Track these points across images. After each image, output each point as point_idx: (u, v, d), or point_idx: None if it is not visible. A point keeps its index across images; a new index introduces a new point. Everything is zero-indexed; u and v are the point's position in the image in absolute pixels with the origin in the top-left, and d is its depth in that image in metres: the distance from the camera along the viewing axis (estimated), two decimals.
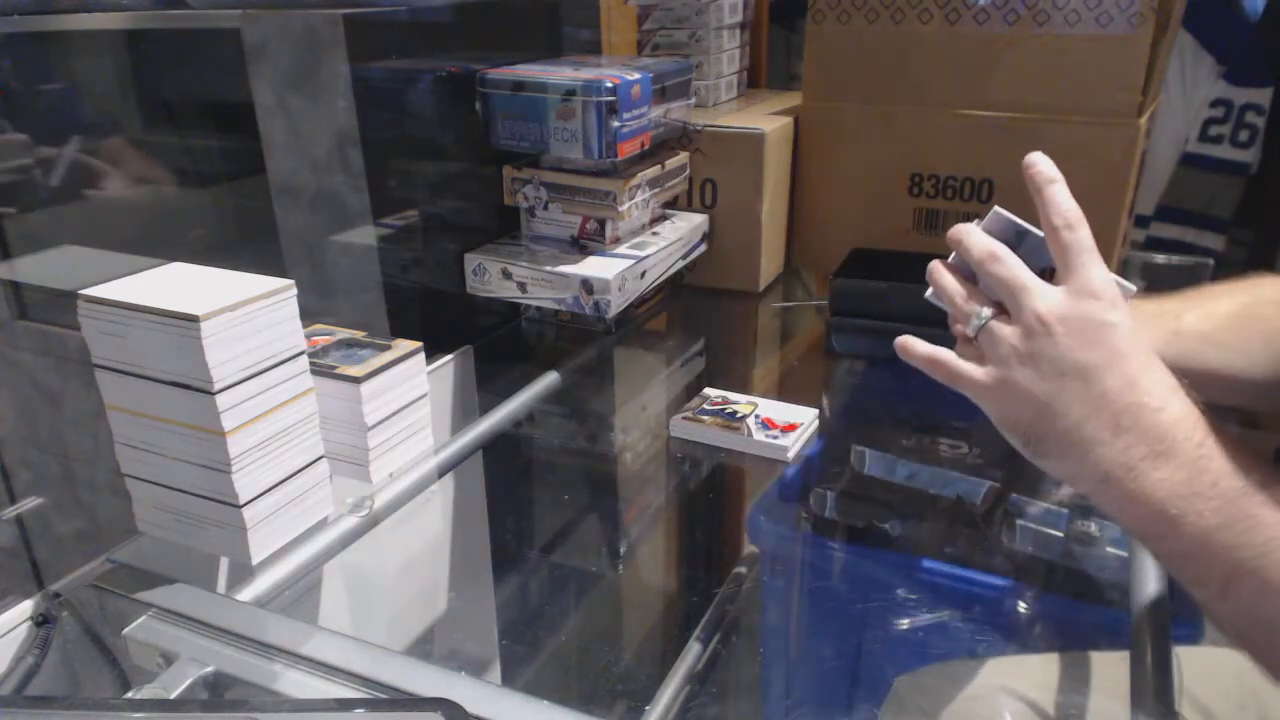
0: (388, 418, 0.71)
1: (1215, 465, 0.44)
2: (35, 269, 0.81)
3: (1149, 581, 0.61)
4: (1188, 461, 0.44)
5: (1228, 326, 0.60)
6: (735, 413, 0.89)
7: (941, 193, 1.11)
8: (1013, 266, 0.50)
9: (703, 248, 1.16)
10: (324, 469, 0.65)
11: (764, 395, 0.93)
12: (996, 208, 0.56)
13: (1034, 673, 0.64)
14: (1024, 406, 0.48)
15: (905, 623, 0.76)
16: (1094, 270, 0.48)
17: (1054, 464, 0.48)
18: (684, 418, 0.89)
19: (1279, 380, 0.58)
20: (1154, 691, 0.52)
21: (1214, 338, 0.60)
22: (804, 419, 0.88)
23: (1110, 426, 0.45)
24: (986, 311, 0.50)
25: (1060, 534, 0.75)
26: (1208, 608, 0.45)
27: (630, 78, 0.95)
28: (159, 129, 0.91)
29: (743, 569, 0.83)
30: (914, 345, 0.54)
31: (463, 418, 0.95)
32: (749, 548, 0.84)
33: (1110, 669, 0.63)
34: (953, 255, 0.55)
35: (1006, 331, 0.49)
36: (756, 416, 0.88)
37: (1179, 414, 0.45)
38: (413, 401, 0.74)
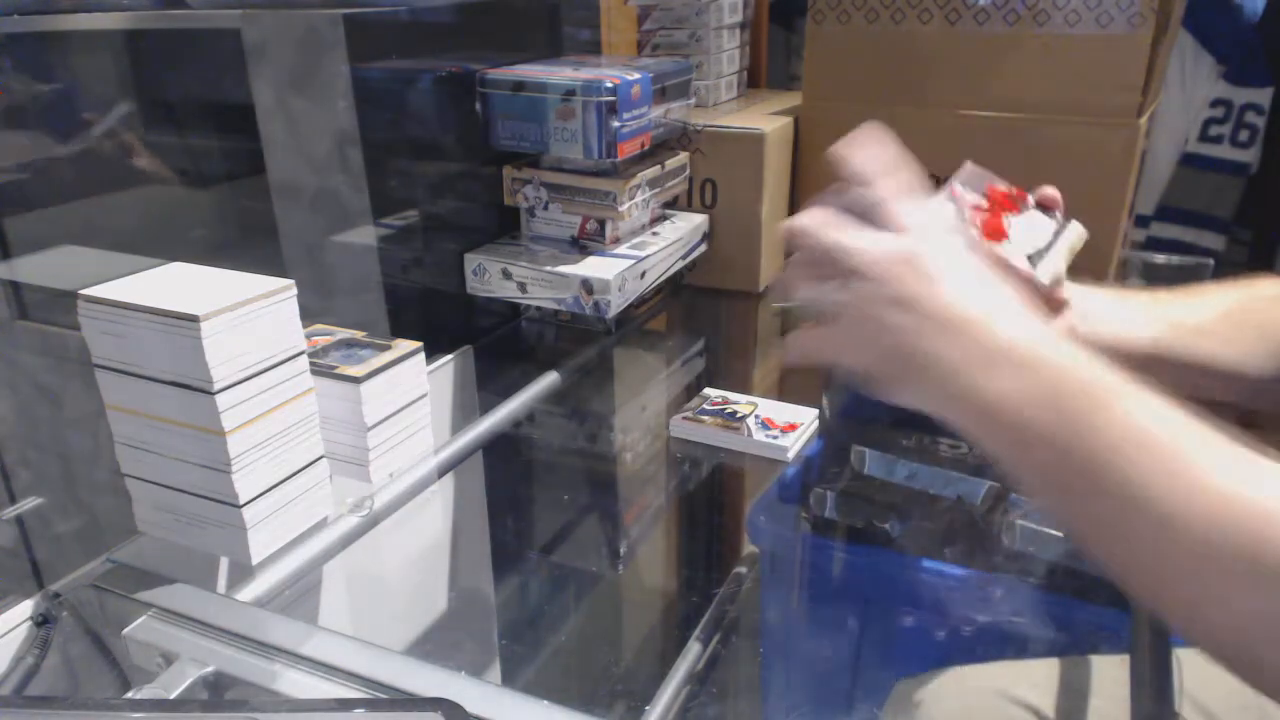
0: (388, 418, 0.71)
1: (1066, 371, 0.43)
2: (35, 269, 0.81)
3: None
4: (1028, 367, 0.43)
5: (1220, 319, 0.60)
6: (735, 413, 0.89)
7: None
8: (829, 235, 0.51)
9: (703, 248, 1.16)
10: (324, 469, 0.65)
11: (764, 395, 0.93)
12: (969, 162, 0.61)
13: (1034, 676, 0.64)
14: (864, 350, 0.49)
15: (905, 622, 0.76)
16: (897, 213, 0.49)
17: (909, 395, 0.48)
18: (684, 418, 0.89)
19: (1275, 375, 0.58)
20: (1154, 692, 0.52)
21: (1206, 329, 0.60)
22: (804, 419, 0.88)
23: (940, 346, 0.45)
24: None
25: (1060, 534, 0.75)
26: (1075, 535, 0.43)
27: (630, 78, 0.95)
28: (159, 129, 0.91)
29: (743, 569, 0.83)
30: (789, 353, 0.54)
31: (463, 418, 0.95)
32: (749, 548, 0.84)
33: (1110, 671, 0.63)
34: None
35: (835, 291, 0.50)
36: (756, 416, 0.88)
37: (1010, 323, 0.45)
38: (413, 401, 0.74)
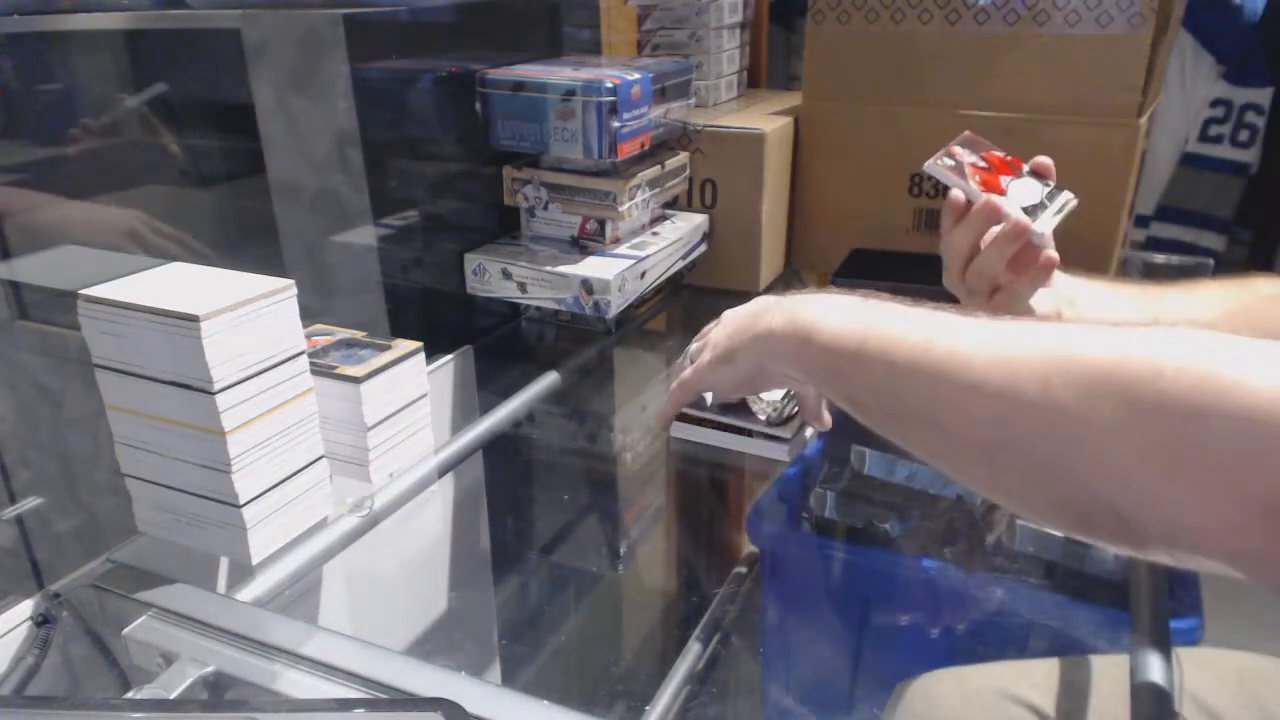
0: (388, 418, 0.71)
1: (866, 299, 0.49)
2: (35, 269, 0.81)
3: (1149, 581, 0.61)
4: (833, 301, 0.50)
5: (1219, 316, 0.60)
6: (733, 410, 0.89)
7: (942, 193, 1.11)
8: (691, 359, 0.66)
9: (703, 248, 1.16)
10: (324, 469, 0.65)
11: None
12: (969, 131, 0.67)
13: (1034, 675, 0.64)
14: (717, 358, 0.61)
15: (905, 622, 0.76)
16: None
17: (763, 373, 0.58)
18: (682, 417, 0.88)
19: None
20: (1154, 692, 0.52)
21: (1199, 322, 0.59)
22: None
23: (770, 319, 0.54)
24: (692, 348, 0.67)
25: (1060, 534, 0.75)
26: (911, 444, 0.46)
27: (630, 78, 0.95)
28: (158, 129, 0.91)
29: (743, 569, 0.83)
30: (661, 415, 0.72)
31: (463, 418, 0.95)
32: (749, 548, 0.84)
33: (1110, 671, 0.63)
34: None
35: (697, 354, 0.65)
36: (754, 414, 0.88)
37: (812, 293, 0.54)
38: (413, 401, 0.74)
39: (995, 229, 0.63)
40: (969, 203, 0.64)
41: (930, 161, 0.65)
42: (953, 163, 0.65)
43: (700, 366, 0.63)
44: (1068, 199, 0.65)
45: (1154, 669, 0.53)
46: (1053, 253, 0.62)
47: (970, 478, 0.43)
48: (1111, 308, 0.63)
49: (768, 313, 0.55)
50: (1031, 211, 0.62)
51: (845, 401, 0.50)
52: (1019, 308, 0.63)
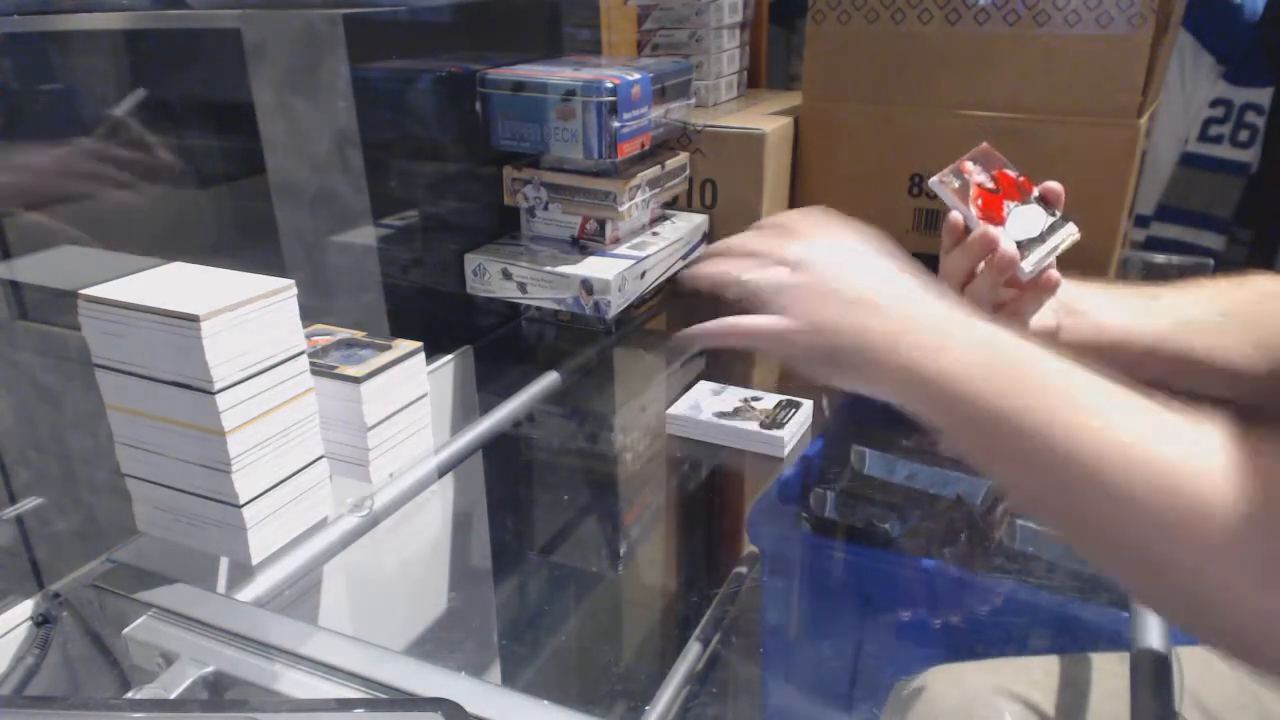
0: (388, 418, 0.71)
1: (1008, 346, 0.46)
2: (35, 269, 0.81)
3: None
4: (974, 343, 0.46)
5: (1219, 315, 0.60)
6: (731, 405, 0.89)
7: None
8: (763, 237, 0.57)
9: (703, 248, 1.16)
10: (324, 469, 0.65)
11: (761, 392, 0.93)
12: (985, 144, 0.65)
13: (1034, 674, 0.64)
14: (811, 337, 0.52)
15: (905, 622, 0.76)
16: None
17: (844, 373, 0.51)
18: (679, 411, 0.89)
19: (1274, 373, 0.57)
20: (1154, 691, 0.52)
21: (1204, 325, 0.59)
22: (800, 412, 0.88)
23: (875, 323, 0.49)
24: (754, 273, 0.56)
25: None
26: (1037, 512, 0.46)
27: (630, 78, 0.95)
28: (159, 129, 0.91)
29: (743, 569, 0.83)
30: (700, 328, 0.57)
31: (463, 418, 0.95)
32: (749, 548, 0.84)
33: (1110, 669, 0.63)
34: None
35: (780, 274, 0.54)
36: (752, 408, 0.88)
37: (946, 307, 0.49)
38: (413, 401, 0.74)
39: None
40: (968, 227, 0.63)
41: (936, 178, 0.63)
42: (958, 183, 0.63)
43: (776, 329, 0.52)
44: (1068, 234, 0.64)
45: (1154, 669, 0.53)
46: (1054, 273, 0.61)
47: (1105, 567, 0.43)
48: (1119, 316, 0.62)
49: (874, 320, 0.49)
50: (1027, 246, 0.61)
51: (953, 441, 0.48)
52: (1022, 322, 0.62)
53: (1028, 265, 0.60)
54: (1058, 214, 0.64)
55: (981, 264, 0.62)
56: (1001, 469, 0.45)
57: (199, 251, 0.87)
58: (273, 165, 0.87)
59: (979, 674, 0.65)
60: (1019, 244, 0.60)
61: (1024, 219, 0.63)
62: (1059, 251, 0.62)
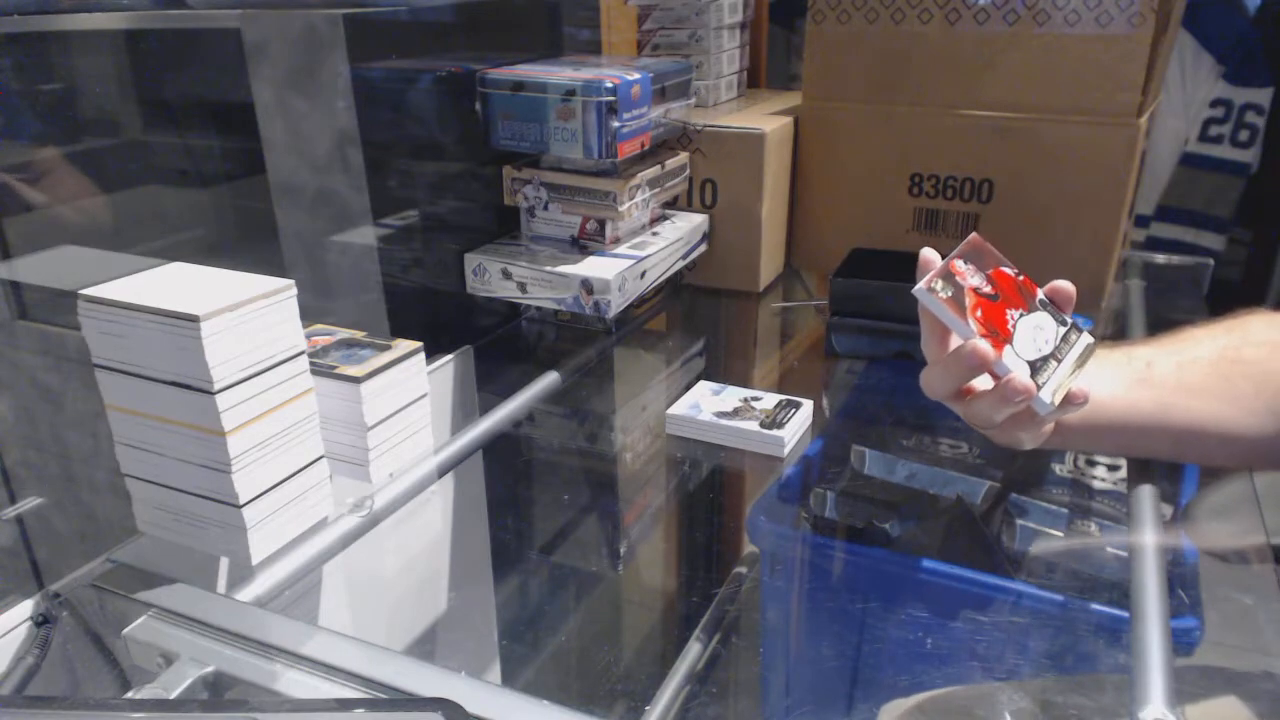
0: (388, 418, 0.71)
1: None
2: (35, 269, 0.81)
3: (1149, 581, 0.61)
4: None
5: (1211, 372, 0.56)
6: (731, 405, 0.89)
7: (941, 193, 1.11)
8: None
9: (703, 248, 1.16)
10: (324, 469, 0.65)
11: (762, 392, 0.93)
12: (975, 235, 0.55)
13: (1030, 689, 0.64)
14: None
15: (905, 622, 0.76)
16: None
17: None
18: (679, 411, 0.89)
19: (1273, 434, 0.54)
20: (1154, 692, 0.52)
21: (1199, 387, 0.56)
22: (800, 411, 0.88)
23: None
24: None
25: (1060, 534, 0.75)
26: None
27: (630, 78, 0.95)
28: (159, 129, 0.91)
29: (743, 569, 0.82)
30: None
31: (463, 418, 0.95)
32: (749, 548, 0.83)
33: (1110, 675, 0.63)
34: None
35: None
36: (752, 407, 0.88)
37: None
38: (413, 401, 0.74)
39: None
40: (948, 332, 0.53)
41: (923, 284, 0.52)
42: (950, 290, 0.52)
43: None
44: (1086, 345, 0.54)
45: (1154, 669, 0.53)
46: (1078, 389, 0.53)
47: None
48: (1114, 392, 0.57)
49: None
50: (1040, 368, 0.52)
51: None
52: (1025, 425, 0.56)
53: (1046, 396, 0.51)
54: (1069, 321, 0.55)
55: (978, 382, 0.55)
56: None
57: (199, 251, 0.87)
58: (272, 165, 0.87)
59: (972, 697, 0.65)
60: (1030, 364, 0.52)
61: (1032, 332, 0.53)
62: (1080, 370, 0.53)
